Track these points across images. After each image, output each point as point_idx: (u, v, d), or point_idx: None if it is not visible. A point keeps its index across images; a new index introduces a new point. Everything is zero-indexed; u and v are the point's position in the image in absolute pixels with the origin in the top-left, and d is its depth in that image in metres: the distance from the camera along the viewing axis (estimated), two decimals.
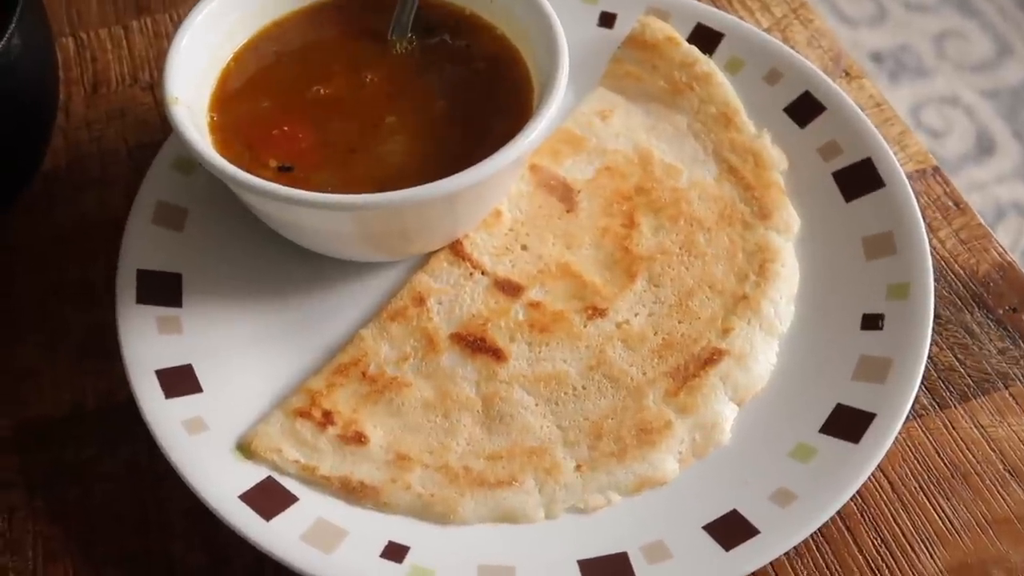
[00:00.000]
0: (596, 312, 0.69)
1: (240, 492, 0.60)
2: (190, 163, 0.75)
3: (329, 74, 0.72)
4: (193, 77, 0.68)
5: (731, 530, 0.59)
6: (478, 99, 0.71)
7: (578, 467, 0.63)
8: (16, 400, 0.68)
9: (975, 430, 0.66)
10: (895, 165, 0.72)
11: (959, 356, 0.69)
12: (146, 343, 0.66)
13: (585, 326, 0.68)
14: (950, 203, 0.77)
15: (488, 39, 0.74)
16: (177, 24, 0.88)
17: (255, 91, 0.71)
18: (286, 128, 0.69)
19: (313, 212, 0.63)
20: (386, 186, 0.65)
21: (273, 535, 0.58)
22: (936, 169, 0.79)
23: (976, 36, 2.34)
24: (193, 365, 0.66)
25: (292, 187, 0.62)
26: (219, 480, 0.60)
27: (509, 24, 0.73)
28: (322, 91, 0.71)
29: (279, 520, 0.59)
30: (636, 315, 0.69)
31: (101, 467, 0.65)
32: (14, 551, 0.62)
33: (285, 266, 0.72)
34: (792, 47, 0.84)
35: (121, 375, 0.68)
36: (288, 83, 0.72)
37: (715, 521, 0.60)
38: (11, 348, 0.70)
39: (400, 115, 0.70)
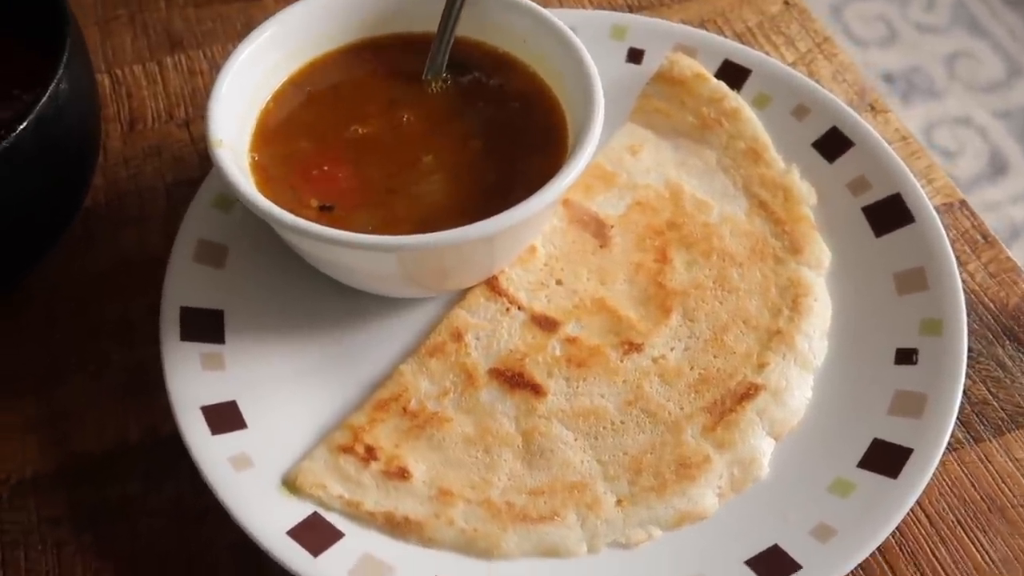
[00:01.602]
0: (632, 347, 0.70)
1: (287, 528, 0.61)
2: (229, 201, 0.76)
3: (366, 114, 0.73)
4: (234, 118, 0.69)
5: (773, 565, 0.59)
6: (513, 138, 0.72)
7: (619, 502, 0.64)
8: (61, 439, 0.69)
9: (1010, 464, 0.66)
10: (924, 200, 0.73)
11: (992, 390, 0.70)
12: (191, 380, 0.67)
13: (622, 361, 0.69)
14: (978, 236, 0.78)
15: (522, 78, 0.75)
16: (212, 62, 0.90)
17: (294, 131, 0.72)
18: (326, 168, 0.70)
19: (355, 252, 0.64)
20: (425, 225, 0.66)
21: (322, 571, 0.59)
22: (963, 203, 0.80)
23: (987, 57, 2.36)
24: (237, 401, 0.67)
25: (333, 227, 0.63)
26: (266, 517, 0.61)
27: (542, 64, 0.74)
28: (360, 131, 0.72)
29: (327, 556, 0.60)
30: (672, 350, 0.70)
31: (146, 503, 0.66)
32: None
33: (324, 302, 0.73)
34: (817, 81, 0.85)
35: (163, 410, 0.69)
36: (326, 123, 0.73)
37: (757, 556, 0.60)
38: (54, 386, 0.71)
39: (437, 154, 0.71)
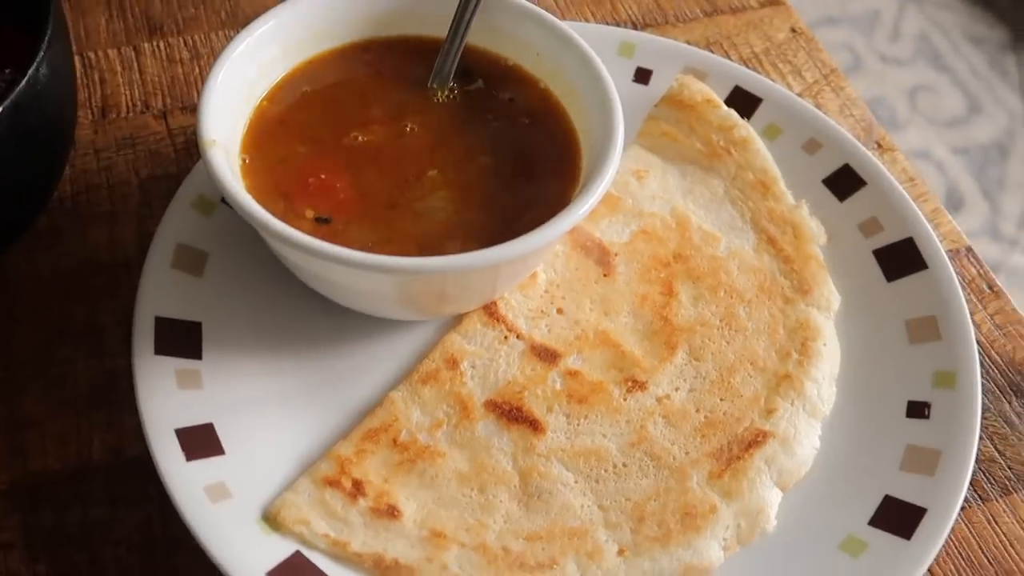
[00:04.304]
0: (636, 385, 0.66)
1: (268, 569, 0.56)
2: (211, 203, 0.71)
3: (367, 120, 0.69)
4: (227, 116, 0.64)
5: None
6: (523, 157, 0.68)
7: (620, 551, 0.60)
8: (16, 452, 0.63)
9: (1017, 526, 0.65)
10: (937, 246, 0.72)
11: (999, 447, 0.68)
12: (165, 399, 0.62)
13: (625, 399, 0.66)
14: (984, 286, 0.76)
15: (532, 93, 0.71)
16: (192, 50, 0.85)
17: (289, 134, 0.68)
18: (323, 176, 0.66)
19: (354, 271, 0.59)
20: (428, 246, 0.63)
21: None
22: (969, 249, 0.78)
23: (948, 91, 2.38)
24: (214, 424, 0.62)
25: (329, 240, 0.58)
26: (245, 555, 0.56)
27: (556, 79, 0.71)
28: (360, 138, 0.68)
29: None
30: (677, 390, 0.67)
31: (110, 530, 0.61)
32: None
33: (310, 318, 0.68)
34: (824, 114, 0.83)
35: (130, 428, 0.64)
36: (324, 127, 0.68)
37: None
38: (11, 396, 0.66)
39: (442, 169, 0.67)
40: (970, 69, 2.45)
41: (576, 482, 0.63)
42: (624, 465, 0.63)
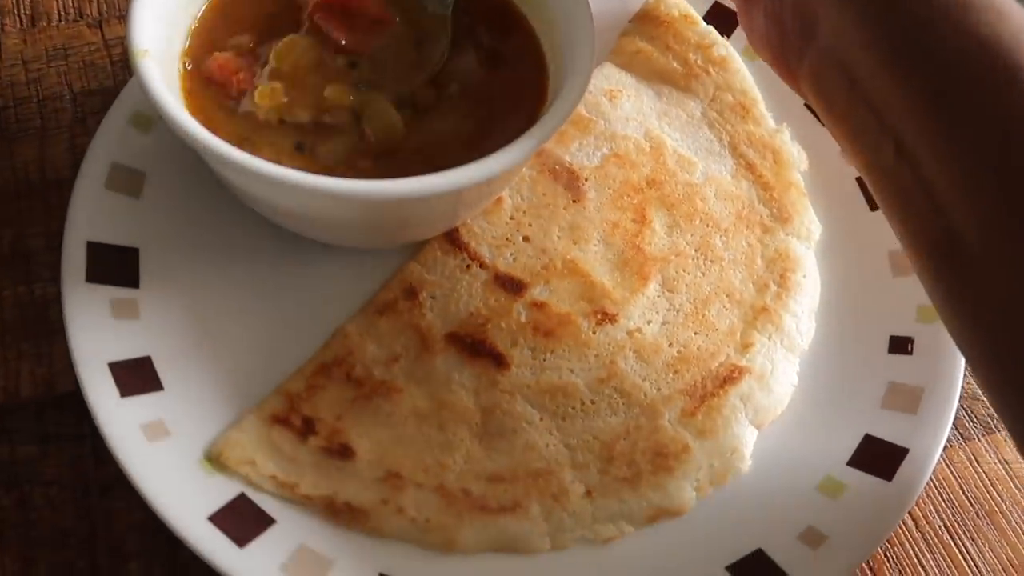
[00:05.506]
0: (606, 317, 0.63)
1: (209, 513, 0.52)
2: (150, 119, 0.66)
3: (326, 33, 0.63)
4: (165, 15, 0.59)
5: (757, 573, 0.54)
6: (488, 77, 0.63)
7: (587, 493, 0.57)
8: None
9: (999, 465, 0.62)
10: None
11: None
12: (98, 330, 0.57)
13: (594, 332, 0.62)
14: None
15: (498, 12, 0.66)
16: None
17: (238, 37, 0.62)
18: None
19: (306, 196, 0.54)
20: (386, 168, 0.58)
21: (248, 565, 0.51)
22: None
23: None
24: (152, 358, 0.58)
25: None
26: (185, 498, 0.52)
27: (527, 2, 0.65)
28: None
29: (255, 547, 0.52)
30: (649, 323, 0.63)
31: (41, 469, 0.57)
32: None
33: (258, 245, 0.64)
34: None
35: (61, 360, 0.60)
36: (276, 32, 0.62)
37: (739, 561, 0.55)
38: None
39: (402, 88, 0.62)
40: None
41: (541, 420, 0.59)
42: (592, 402, 0.60)
